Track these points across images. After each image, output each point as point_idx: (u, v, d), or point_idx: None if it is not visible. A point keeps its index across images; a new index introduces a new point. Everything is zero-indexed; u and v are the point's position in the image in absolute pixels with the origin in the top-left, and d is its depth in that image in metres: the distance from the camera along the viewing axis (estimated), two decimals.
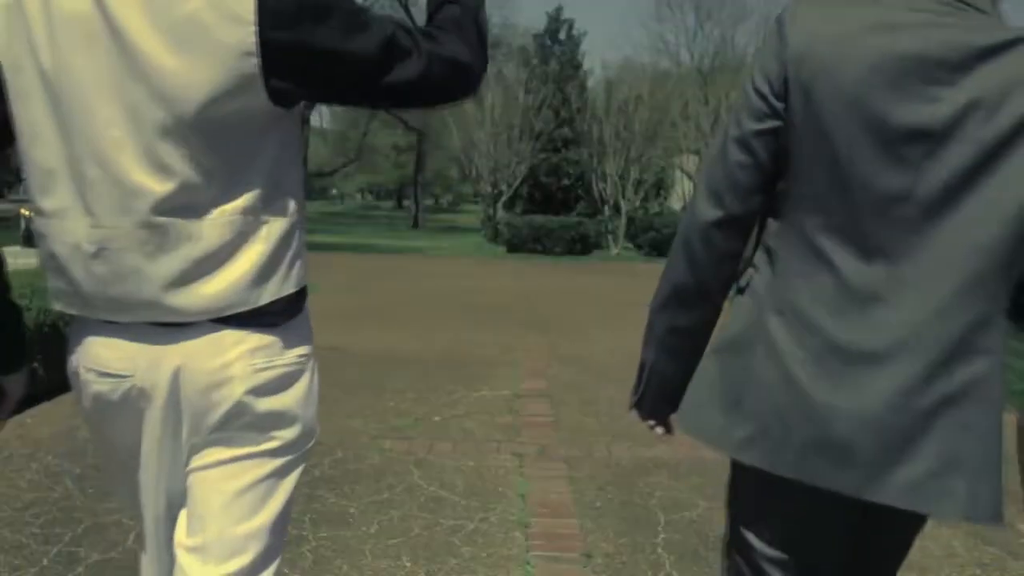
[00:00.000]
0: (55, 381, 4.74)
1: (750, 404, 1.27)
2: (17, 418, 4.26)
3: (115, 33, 1.10)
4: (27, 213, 10.19)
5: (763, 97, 1.24)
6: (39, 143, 1.18)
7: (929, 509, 1.23)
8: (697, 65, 31.76)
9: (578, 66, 31.73)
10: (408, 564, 2.76)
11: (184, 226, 1.16)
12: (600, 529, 3.10)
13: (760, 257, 1.31)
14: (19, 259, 9.29)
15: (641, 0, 63.43)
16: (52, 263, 1.25)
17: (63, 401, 4.61)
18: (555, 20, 32.61)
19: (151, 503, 1.34)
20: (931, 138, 1.17)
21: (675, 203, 29.02)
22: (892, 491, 1.20)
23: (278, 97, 1.16)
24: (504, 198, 26.69)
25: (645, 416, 1.48)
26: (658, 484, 3.58)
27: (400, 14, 38.64)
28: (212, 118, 1.13)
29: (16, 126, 1.19)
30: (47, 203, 1.21)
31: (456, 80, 1.28)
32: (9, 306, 1.36)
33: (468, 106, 26.86)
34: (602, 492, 3.48)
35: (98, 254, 1.18)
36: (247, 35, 1.10)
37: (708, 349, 1.36)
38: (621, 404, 4.61)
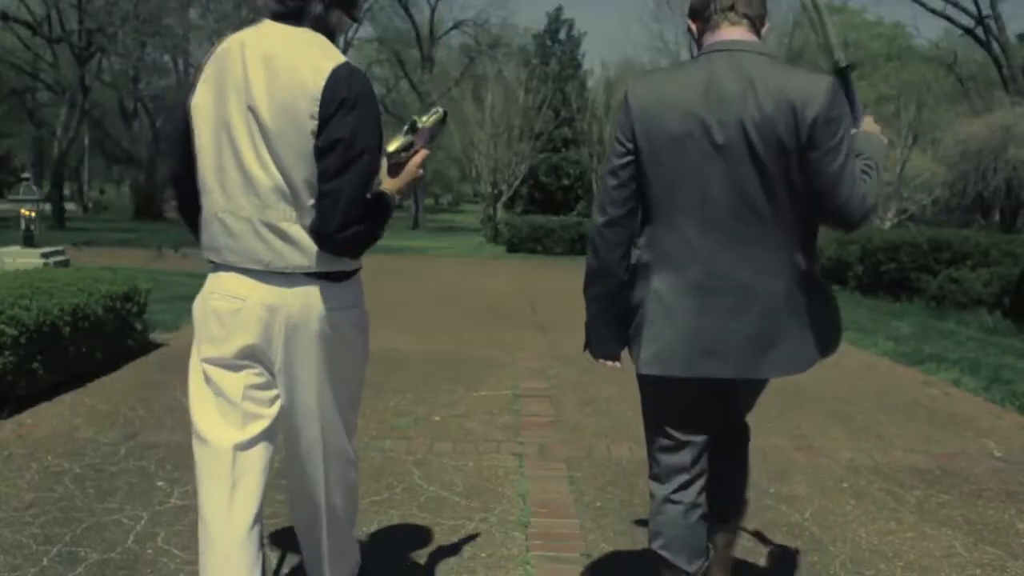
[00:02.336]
0: (55, 381, 4.75)
1: (650, 336, 2.01)
2: (17, 418, 4.26)
3: (249, 96, 1.84)
4: (27, 213, 10.18)
5: (621, 143, 1.99)
6: (203, 155, 1.91)
7: (764, 375, 2.04)
8: None
9: (578, 66, 31.70)
10: (408, 564, 2.76)
11: (277, 208, 1.86)
12: (600, 529, 3.10)
13: (641, 243, 2.04)
14: (19, 259, 9.32)
15: (641, 0, 63.40)
16: (206, 227, 1.95)
17: (63, 401, 4.61)
18: (555, 20, 32.58)
19: (232, 401, 1.93)
20: (724, 150, 1.89)
21: None
22: (741, 367, 1.99)
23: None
24: (504, 198, 26.68)
25: (595, 356, 2.20)
26: None
27: (400, 14, 38.61)
28: (294, 150, 1.83)
29: (196, 150, 1.92)
30: (205, 186, 1.92)
31: (365, 220, 1.87)
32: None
33: (468, 106, 26.87)
34: (602, 492, 3.48)
35: (227, 219, 1.89)
36: (314, 107, 1.81)
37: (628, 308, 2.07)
38: (621, 404, 4.61)
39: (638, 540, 3.01)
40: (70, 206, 36.14)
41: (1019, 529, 3.24)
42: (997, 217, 24.05)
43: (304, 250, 1.87)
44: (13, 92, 31.90)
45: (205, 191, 1.92)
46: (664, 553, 2.15)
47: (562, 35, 32.44)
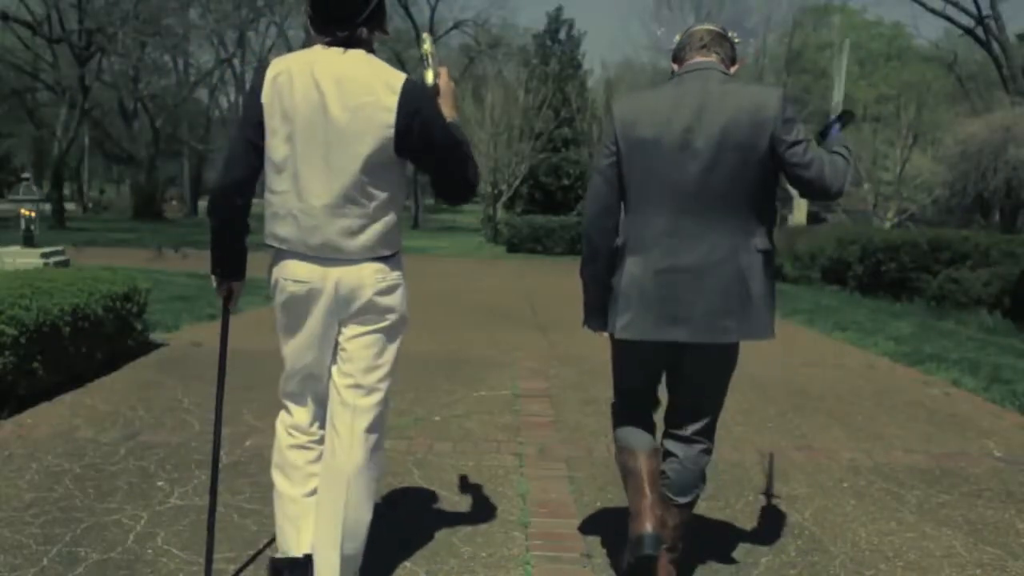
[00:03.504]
0: (55, 381, 4.75)
1: (623, 306, 2.43)
2: (17, 418, 4.26)
3: (324, 109, 2.20)
4: (27, 213, 10.17)
5: (607, 147, 2.44)
6: (275, 156, 2.27)
7: (718, 340, 2.37)
8: None
9: (578, 66, 31.65)
10: (408, 564, 2.76)
11: (346, 208, 2.25)
12: (600, 529, 3.09)
13: (622, 230, 2.45)
14: (19, 259, 9.31)
15: (641, 0, 63.36)
16: (276, 221, 2.32)
17: (63, 401, 4.61)
18: (555, 20, 32.53)
19: (306, 361, 2.43)
20: (688, 151, 2.31)
21: None
22: (700, 333, 2.36)
23: (399, 150, 2.25)
24: (504, 198, 26.69)
25: (593, 329, 2.62)
26: None
27: (400, 14, 38.67)
28: (365, 156, 2.22)
29: (266, 146, 2.28)
30: (277, 187, 2.29)
31: (470, 170, 2.37)
32: (244, 236, 2.43)
33: (468, 106, 26.86)
34: (602, 492, 3.47)
35: (299, 216, 2.27)
36: (390, 118, 2.20)
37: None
38: None
39: None
40: (70, 206, 36.12)
41: (1019, 529, 3.24)
42: (997, 217, 24.02)
43: (361, 241, 2.29)
44: (13, 92, 31.87)
45: (279, 191, 2.29)
46: (620, 441, 2.61)
47: (562, 35, 32.39)
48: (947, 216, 24.70)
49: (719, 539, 3.04)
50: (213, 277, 2.48)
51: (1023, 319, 9.22)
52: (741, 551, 2.95)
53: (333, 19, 2.22)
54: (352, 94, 2.18)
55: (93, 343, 5.13)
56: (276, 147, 2.25)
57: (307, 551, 2.42)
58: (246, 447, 3.89)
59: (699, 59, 2.42)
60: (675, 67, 2.49)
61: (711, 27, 2.49)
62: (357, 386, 2.40)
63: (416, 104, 2.21)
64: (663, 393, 2.65)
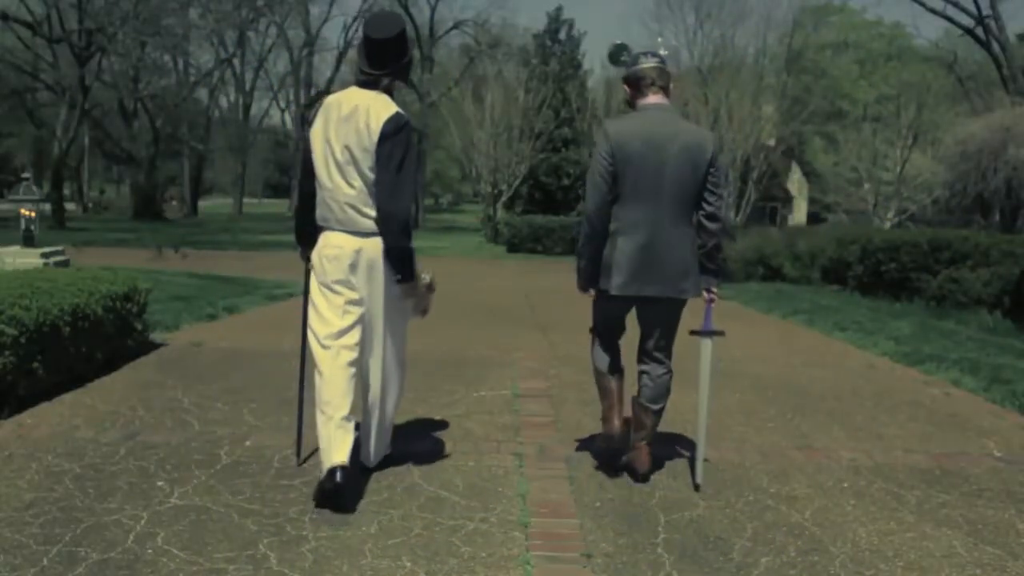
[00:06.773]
0: (55, 381, 4.75)
1: (617, 272, 3.41)
2: (17, 418, 4.26)
3: (341, 131, 3.25)
4: (27, 213, 10.17)
5: (604, 157, 3.36)
6: (317, 165, 3.34)
7: (677, 296, 3.45)
8: (697, 65, 31.77)
9: (578, 66, 31.70)
10: (408, 564, 2.76)
11: (355, 196, 3.23)
12: (600, 529, 3.10)
13: (614, 217, 3.40)
14: (19, 259, 9.31)
15: (641, 0, 63.34)
16: (319, 204, 3.33)
17: (63, 401, 4.61)
18: (555, 20, 32.59)
19: (335, 306, 3.28)
20: (663, 164, 3.34)
21: None
22: (667, 290, 3.43)
23: (376, 155, 3.21)
24: (504, 198, 26.70)
25: (583, 289, 3.56)
26: (658, 484, 3.57)
27: (400, 13, 38.60)
28: (363, 160, 3.21)
29: (314, 161, 3.35)
30: (319, 185, 3.32)
31: (405, 203, 3.31)
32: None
33: (468, 106, 26.87)
34: (602, 492, 3.47)
35: (331, 202, 3.27)
36: (375, 135, 3.18)
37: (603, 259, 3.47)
38: None
39: (638, 540, 3.01)
40: (70, 206, 36.10)
41: (1019, 529, 3.24)
42: (997, 217, 24.02)
43: (370, 219, 3.24)
44: (13, 92, 31.85)
45: (320, 186, 3.31)
46: (597, 363, 3.73)
47: (562, 35, 32.44)
48: (947, 216, 24.69)
49: (719, 539, 3.04)
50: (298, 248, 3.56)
51: (1023, 319, 9.21)
52: (741, 551, 2.95)
53: (370, 66, 3.29)
54: (358, 120, 3.19)
55: (93, 343, 5.13)
56: (318, 156, 3.30)
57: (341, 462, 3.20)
58: (246, 447, 3.89)
59: (656, 99, 3.45)
60: (628, 89, 3.53)
61: (654, 64, 3.46)
62: (379, 343, 3.39)
63: (389, 131, 3.17)
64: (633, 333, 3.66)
